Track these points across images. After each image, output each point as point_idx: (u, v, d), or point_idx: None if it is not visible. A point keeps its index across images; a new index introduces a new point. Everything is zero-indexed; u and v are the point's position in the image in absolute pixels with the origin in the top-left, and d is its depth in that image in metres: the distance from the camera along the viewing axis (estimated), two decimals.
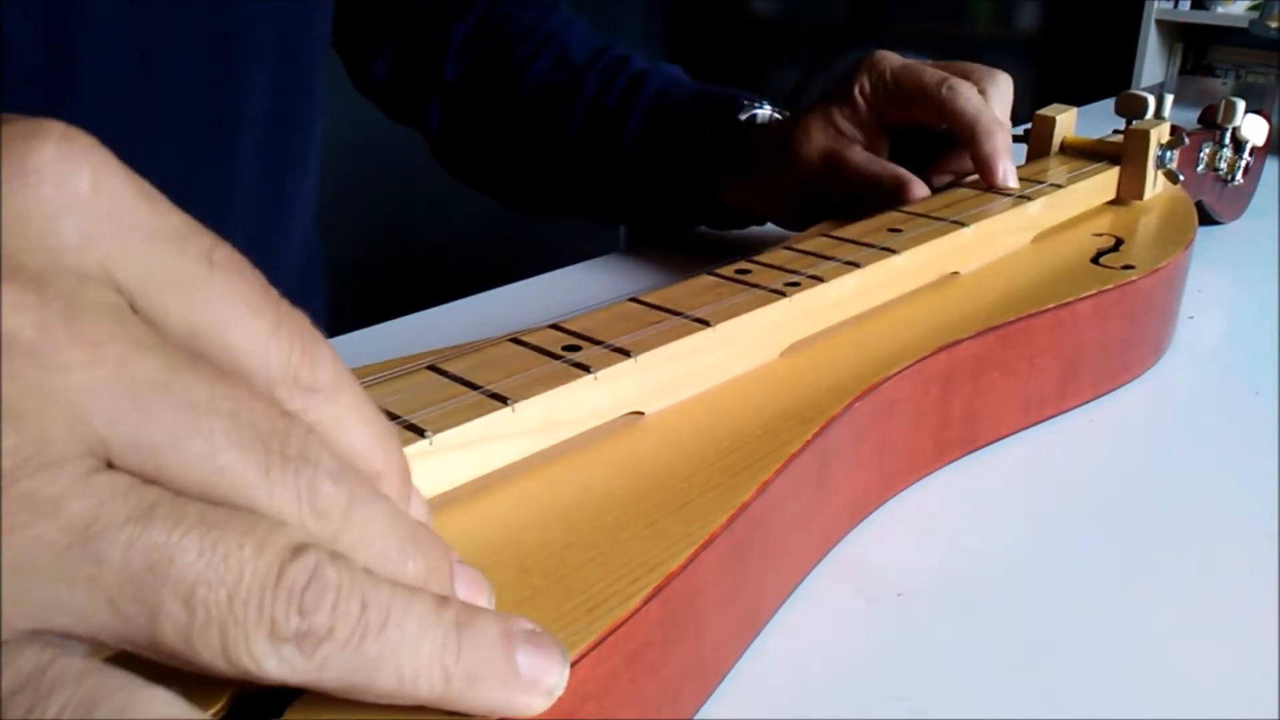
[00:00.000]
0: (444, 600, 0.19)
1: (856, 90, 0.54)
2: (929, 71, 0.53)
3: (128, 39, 0.45)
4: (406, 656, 0.18)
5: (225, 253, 0.19)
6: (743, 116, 0.59)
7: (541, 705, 0.20)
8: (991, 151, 0.50)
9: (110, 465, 0.17)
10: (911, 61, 0.54)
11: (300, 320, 0.20)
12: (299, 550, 0.17)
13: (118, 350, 0.17)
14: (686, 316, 0.34)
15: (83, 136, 0.18)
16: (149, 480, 0.17)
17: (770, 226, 0.62)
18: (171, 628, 0.16)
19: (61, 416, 0.16)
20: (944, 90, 0.51)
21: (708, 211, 0.62)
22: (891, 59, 0.54)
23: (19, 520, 0.16)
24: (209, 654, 0.16)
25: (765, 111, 0.60)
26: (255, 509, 0.17)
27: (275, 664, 0.17)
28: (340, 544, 0.18)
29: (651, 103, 0.61)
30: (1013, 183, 0.51)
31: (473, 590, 0.21)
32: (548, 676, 0.20)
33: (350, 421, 0.20)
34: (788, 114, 0.61)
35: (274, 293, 0.19)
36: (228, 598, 0.16)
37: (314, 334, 0.20)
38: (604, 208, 0.66)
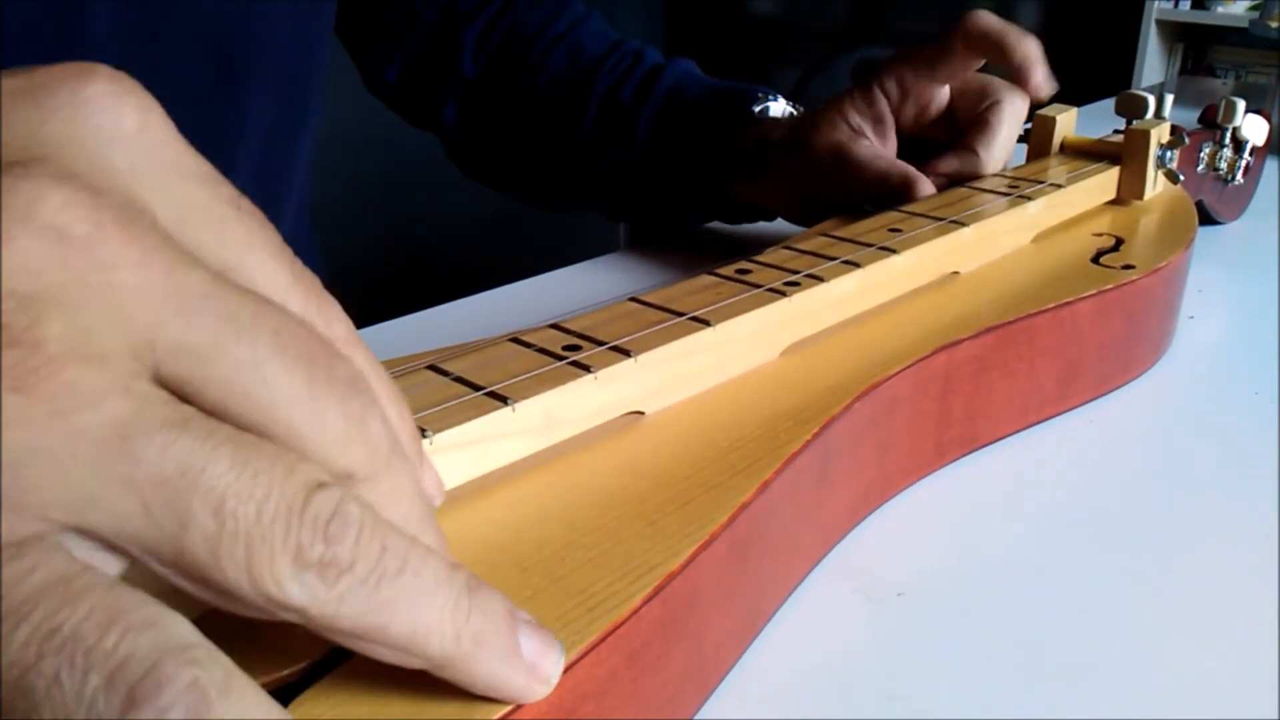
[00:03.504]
0: (456, 564, 0.19)
1: (877, 87, 0.55)
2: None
3: (130, 49, 0.45)
4: (421, 607, 0.18)
5: (249, 203, 0.20)
6: (756, 109, 0.59)
7: (539, 691, 0.20)
8: (1026, 55, 0.52)
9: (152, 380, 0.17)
10: None
11: (314, 277, 0.20)
12: (323, 484, 0.17)
13: (166, 257, 0.17)
14: (686, 316, 0.34)
15: (128, 78, 0.18)
16: (189, 394, 0.17)
17: (771, 225, 0.62)
18: (200, 537, 0.16)
19: (108, 312, 0.16)
20: (967, 20, 0.53)
21: (719, 206, 0.62)
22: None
23: (62, 405, 0.16)
24: (234, 571, 0.16)
25: (779, 105, 0.60)
26: (295, 427, 0.18)
27: (297, 589, 0.17)
28: (377, 490, 0.19)
29: (666, 98, 0.61)
30: (1046, 91, 0.53)
31: None
32: (546, 662, 0.20)
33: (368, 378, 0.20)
34: (801, 109, 0.61)
35: (290, 249, 0.20)
36: (256, 513, 0.16)
37: (327, 294, 0.20)
38: (619, 202, 0.66)
